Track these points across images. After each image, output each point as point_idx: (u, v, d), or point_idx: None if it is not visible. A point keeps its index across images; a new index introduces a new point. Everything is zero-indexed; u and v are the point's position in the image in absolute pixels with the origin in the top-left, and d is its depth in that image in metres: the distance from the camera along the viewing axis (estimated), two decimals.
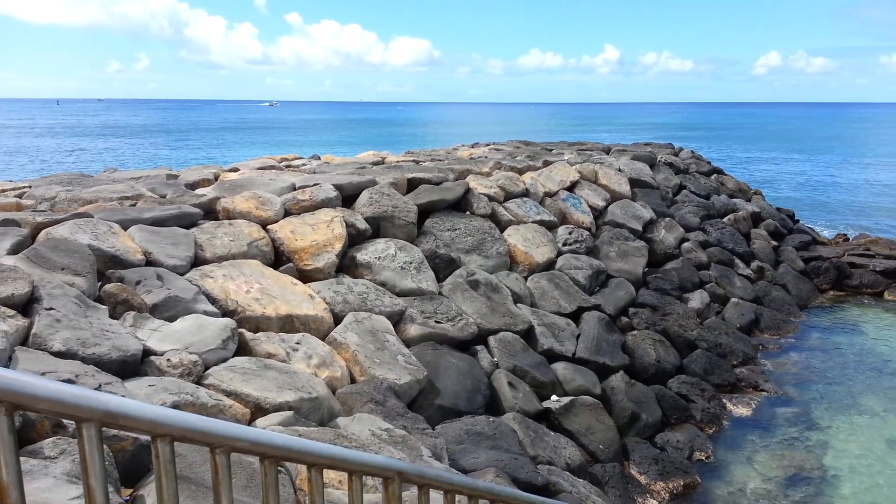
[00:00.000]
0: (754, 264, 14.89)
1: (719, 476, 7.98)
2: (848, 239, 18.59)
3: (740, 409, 9.62)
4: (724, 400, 9.76)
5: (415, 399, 6.63)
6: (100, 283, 5.92)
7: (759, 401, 9.89)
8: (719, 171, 19.69)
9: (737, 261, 14.60)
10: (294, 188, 9.27)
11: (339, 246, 8.11)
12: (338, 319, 7.15)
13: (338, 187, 9.25)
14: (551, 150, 17.62)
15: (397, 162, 12.91)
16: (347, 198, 9.41)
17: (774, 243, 16.39)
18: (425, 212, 9.91)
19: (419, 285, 8.33)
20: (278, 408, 5.20)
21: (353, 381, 6.49)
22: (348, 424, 5.53)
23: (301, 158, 13.61)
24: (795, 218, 19.38)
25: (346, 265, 8.33)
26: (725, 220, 16.05)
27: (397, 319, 7.66)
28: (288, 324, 6.70)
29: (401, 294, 8.11)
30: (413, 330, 7.57)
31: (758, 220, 17.06)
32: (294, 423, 5.11)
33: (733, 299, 12.97)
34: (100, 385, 4.33)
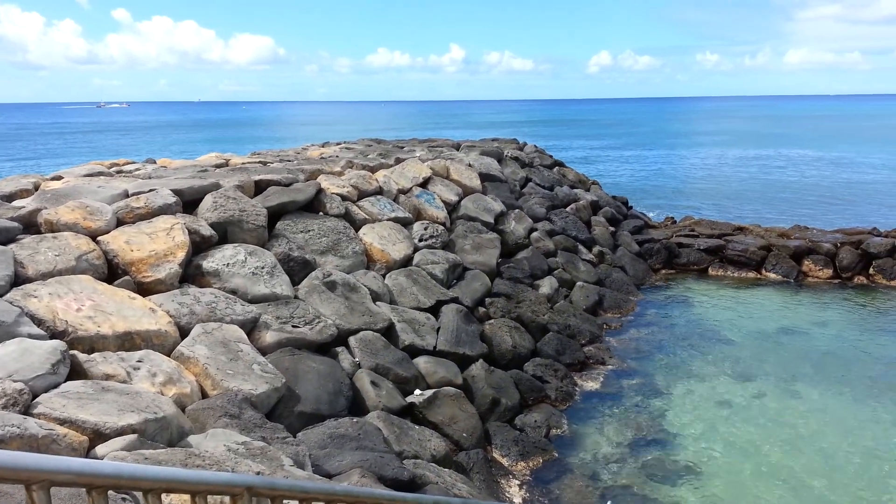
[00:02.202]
0: (595, 249, 15.91)
1: (574, 447, 8.46)
2: (675, 221, 20.36)
3: (590, 384, 10.25)
4: (575, 377, 10.35)
5: (274, 408, 6.40)
6: None
7: (607, 375, 10.59)
8: (561, 164, 20.81)
9: (580, 247, 15.52)
10: (127, 195, 8.60)
11: (181, 254, 7.63)
12: (184, 332, 6.73)
13: (177, 192, 8.71)
14: (403, 147, 17.74)
15: (243, 164, 12.38)
16: (188, 203, 8.88)
17: (612, 229, 17.61)
18: (276, 214, 9.60)
19: (273, 290, 8.05)
20: (120, 432, 4.80)
21: (204, 396, 6.14)
22: (201, 442, 5.22)
23: (134, 163, 12.65)
24: (629, 204, 20.93)
25: (192, 274, 7.85)
26: (568, 209, 16.99)
27: (251, 327, 7.35)
28: (127, 341, 6.21)
29: (253, 301, 7.79)
30: (269, 337, 7.30)
31: (596, 208, 18.23)
32: (139, 446, 4.75)
33: (579, 283, 13.77)
34: None
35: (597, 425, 9.07)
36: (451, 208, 13.50)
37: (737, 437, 8.72)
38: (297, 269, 8.80)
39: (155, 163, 13.09)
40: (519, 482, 7.52)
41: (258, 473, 4.86)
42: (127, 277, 7.19)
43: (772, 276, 16.15)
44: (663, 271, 16.88)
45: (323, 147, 17.36)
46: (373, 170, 12.88)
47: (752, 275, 16.33)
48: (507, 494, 7.27)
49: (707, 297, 14.90)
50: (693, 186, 34.13)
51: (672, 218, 21.02)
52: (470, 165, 15.42)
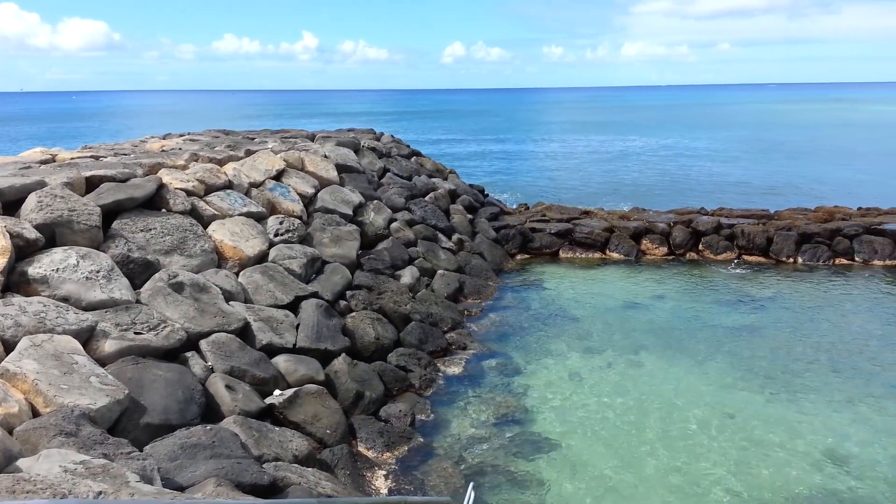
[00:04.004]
0: (455, 237, 16.23)
1: (439, 432, 8.62)
2: (528, 207, 21.24)
3: (453, 370, 10.47)
4: (438, 364, 10.53)
5: (117, 422, 5.93)
6: None
7: (468, 359, 10.87)
8: (418, 154, 20.97)
9: (440, 235, 15.76)
10: None
11: (2, 261, 6.85)
12: (9, 347, 6.07)
13: None
14: (254, 138, 17.04)
15: (72, 159, 11.31)
16: (9, 204, 7.98)
17: (470, 216, 18.04)
18: (111, 213, 8.86)
19: (111, 295, 7.43)
20: None
21: (35, 414, 5.58)
22: (32, 465, 4.74)
23: None
24: (485, 192, 21.53)
25: (16, 282, 7.07)
26: (427, 198, 17.18)
27: (87, 337, 6.75)
28: None
29: (89, 308, 7.16)
30: (108, 346, 6.75)
31: (455, 197, 18.58)
32: None
33: (440, 271, 14.00)
34: None
35: (460, 408, 9.28)
36: (308, 201, 13.18)
37: (590, 407, 9.29)
38: (137, 271, 8.19)
39: None
40: (385, 472, 7.53)
41: (99, 493, 4.50)
42: None
43: (615, 255, 17.31)
44: (519, 256, 17.56)
45: (164, 139, 16.26)
46: (221, 163, 12.27)
47: (597, 255, 17.42)
48: (372, 486, 7.26)
49: (559, 278, 15.70)
50: (544, 173, 35.80)
51: (525, 204, 21.89)
52: (326, 156, 15.13)
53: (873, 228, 16.90)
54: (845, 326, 12.33)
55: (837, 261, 16.59)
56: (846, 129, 63.96)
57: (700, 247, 17.39)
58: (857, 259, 16.53)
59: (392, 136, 21.54)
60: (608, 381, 10.11)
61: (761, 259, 16.93)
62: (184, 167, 11.27)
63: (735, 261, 16.91)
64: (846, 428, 8.66)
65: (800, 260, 16.67)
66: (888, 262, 16.31)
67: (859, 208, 19.38)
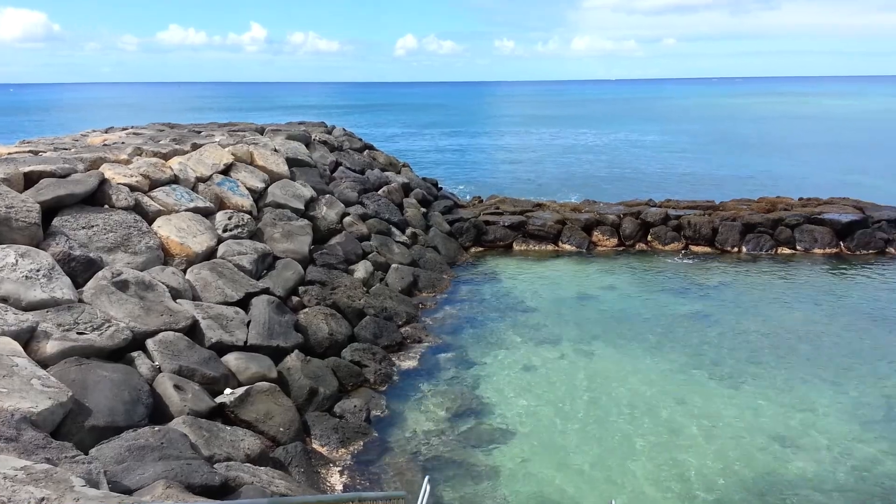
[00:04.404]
0: (409, 231, 16.20)
1: (395, 427, 8.62)
2: (482, 200, 21.34)
3: (408, 363, 10.47)
4: (393, 358, 10.51)
5: (60, 425, 5.74)
6: None
7: (424, 352, 10.89)
8: (371, 147, 20.82)
9: (393, 229, 15.71)
10: None
11: None
12: None
13: None
14: (200, 132, 16.64)
15: (9, 154, 10.85)
16: None
17: (423, 210, 18.02)
18: (51, 210, 8.56)
19: (52, 295, 7.18)
20: None
21: None
22: None
23: None
24: (439, 186, 21.53)
25: None
26: (380, 192, 17.10)
27: (28, 338, 6.52)
28: None
29: (29, 308, 6.91)
30: (50, 347, 6.52)
31: (408, 191, 18.54)
32: None
33: (394, 265, 13.95)
34: None
35: (416, 402, 9.29)
36: (258, 196, 12.96)
37: (544, 398, 9.42)
38: (80, 269, 7.93)
39: None
40: (340, 468, 7.49)
41: (42, 500, 4.35)
42: None
43: (567, 247, 17.55)
44: (473, 249, 17.64)
45: (106, 133, 15.75)
46: (166, 157, 11.95)
47: (550, 247, 17.63)
48: (327, 483, 7.21)
49: (513, 270, 15.84)
50: (497, 166, 36.00)
51: (479, 197, 21.98)
52: (276, 150, 14.90)
53: (813, 218, 17.55)
54: (787, 314, 12.79)
55: (780, 250, 17.17)
56: (789, 121, 66.21)
57: (649, 237, 17.78)
58: (798, 248, 17.14)
59: (344, 129, 21.33)
60: (561, 372, 10.26)
61: (707, 249, 17.40)
62: (127, 162, 10.95)
63: (682, 251, 17.34)
64: (790, 411, 9.00)
65: (744, 249, 17.20)
66: (827, 251, 16.97)
67: (800, 198, 20.09)
